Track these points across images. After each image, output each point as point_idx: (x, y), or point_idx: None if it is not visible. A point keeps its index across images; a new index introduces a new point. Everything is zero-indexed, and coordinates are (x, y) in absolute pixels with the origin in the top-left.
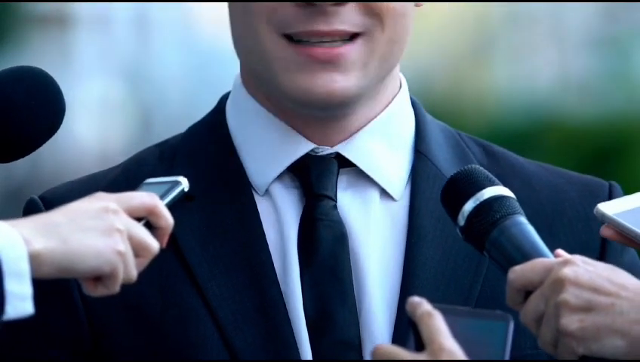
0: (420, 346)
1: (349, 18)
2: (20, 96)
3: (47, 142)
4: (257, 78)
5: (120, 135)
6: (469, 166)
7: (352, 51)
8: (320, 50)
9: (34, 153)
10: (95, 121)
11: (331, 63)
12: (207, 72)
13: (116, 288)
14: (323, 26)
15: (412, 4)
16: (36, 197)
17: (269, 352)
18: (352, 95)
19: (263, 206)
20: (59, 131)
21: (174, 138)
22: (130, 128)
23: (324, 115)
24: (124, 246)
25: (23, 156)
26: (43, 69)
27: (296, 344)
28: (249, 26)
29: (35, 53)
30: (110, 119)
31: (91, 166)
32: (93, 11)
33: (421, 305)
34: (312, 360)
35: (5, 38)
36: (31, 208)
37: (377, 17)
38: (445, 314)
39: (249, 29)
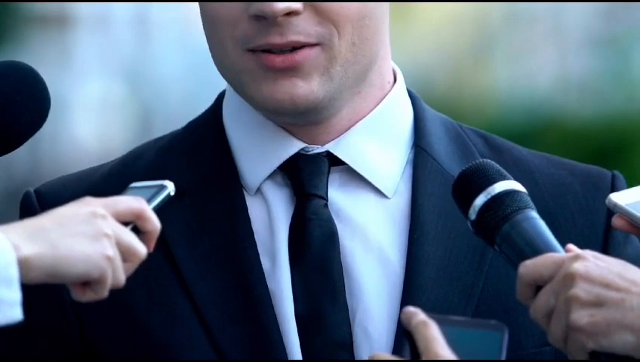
0: (415, 356)
1: (303, 28)
2: (4, 90)
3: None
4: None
5: (120, 135)
6: (481, 160)
7: (310, 56)
8: (279, 59)
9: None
10: (95, 121)
11: (292, 70)
12: (207, 72)
13: (105, 293)
14: (278, 39)
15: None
16: (31, 190)
17: (256, 352)
18: (316, 100)
19: (254, 205)
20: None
21: (173, 133)
22: (130, 128)
23: (303, 121)
24: (113, 252)
25: (7, 152)
26: (43, 68)
27: (284, 344)
28: (217, 41)
29: (35, 53)
30: (110, 119)
31: (91, 165)
32: (93, 11)
33: (416, 314)
34: (300, 360)
35: (5, 38)
36: (25, 203)
37: (332, 25)
38: (440, 323)
39: (217, 44)
